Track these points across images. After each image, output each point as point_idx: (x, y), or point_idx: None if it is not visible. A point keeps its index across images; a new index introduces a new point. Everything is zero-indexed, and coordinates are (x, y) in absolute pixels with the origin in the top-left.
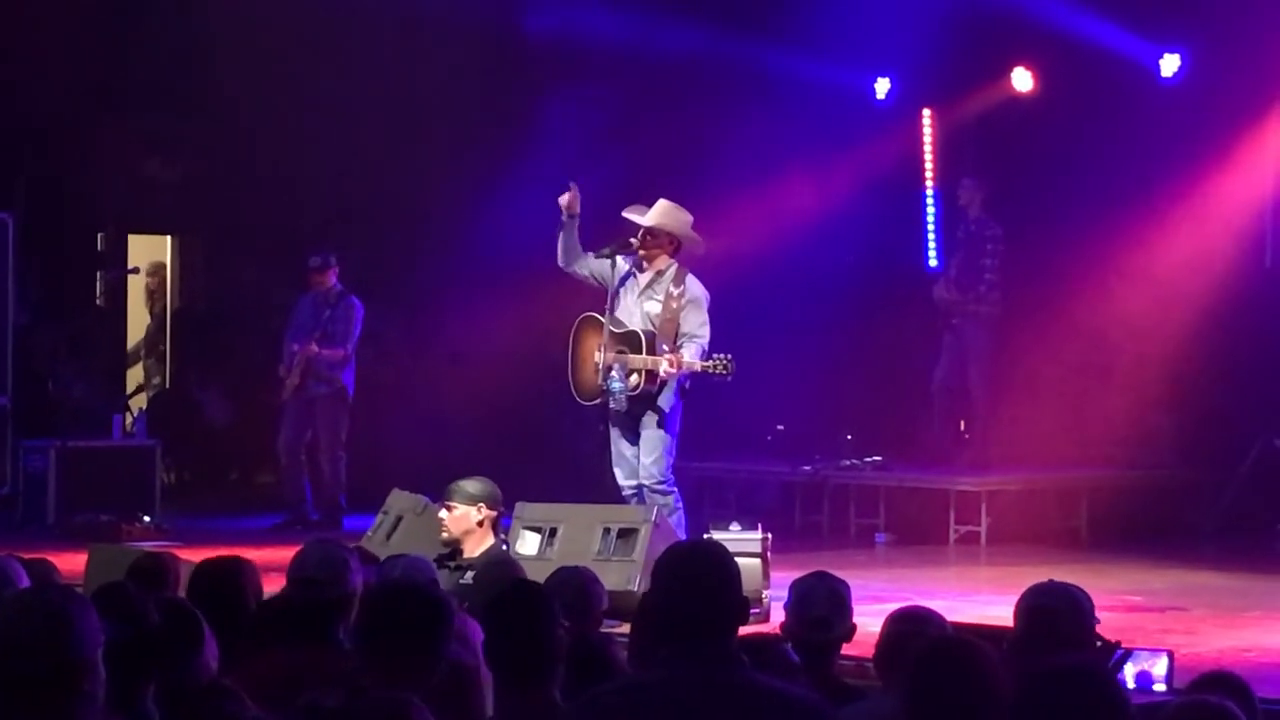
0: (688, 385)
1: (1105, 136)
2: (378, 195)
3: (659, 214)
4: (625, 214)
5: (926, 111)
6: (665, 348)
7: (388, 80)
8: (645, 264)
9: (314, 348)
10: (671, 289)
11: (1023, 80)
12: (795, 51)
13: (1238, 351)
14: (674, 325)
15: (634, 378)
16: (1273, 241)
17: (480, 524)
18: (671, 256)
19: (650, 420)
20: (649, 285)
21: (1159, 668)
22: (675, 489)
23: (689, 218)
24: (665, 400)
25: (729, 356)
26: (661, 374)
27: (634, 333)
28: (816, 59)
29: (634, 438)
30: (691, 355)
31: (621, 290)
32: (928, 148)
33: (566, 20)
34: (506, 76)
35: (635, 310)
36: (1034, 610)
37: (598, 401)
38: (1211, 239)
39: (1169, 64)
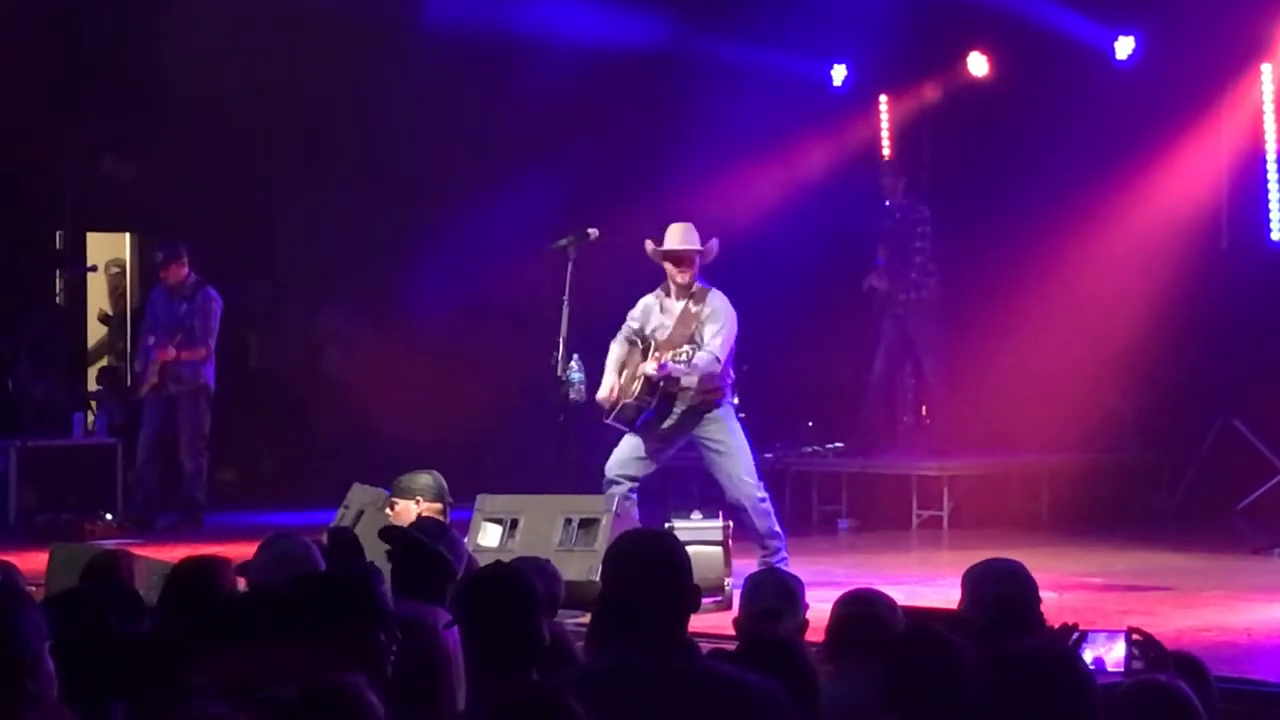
0: (735, 399)
1: (1061, 120)
2: (336, 190)
3: (690, 238)
4: (664, 246)
5: (884, 98)
6: (657, 355)
7: (343, 76)
8: (677, 292)
9: (171, 351)
10: (692, 306)
11: (978, 65)
12: (752, 39)
13: (1195, 333)
14: (685, 337)
15: (635, 384)
16: (1228, 223)
17: (419, 516)
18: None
19: (717, 440)
20: (684, 308)
21: (1116, 651)
22: (767, 493)
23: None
24: (720, 418)
25: (689, 348)
26: (649, 373)
27: (649, 343)
28: (773, 47)
29: (654, 442)
30: (681, 360)
31: (660, 321)
32: (885, 133)
33: (523, 13)
34: (463, 75)
35: (673, 334)
36: (1000, 598)
37: (619, 418)
38: (1168, 221)
39: (1124, 47)
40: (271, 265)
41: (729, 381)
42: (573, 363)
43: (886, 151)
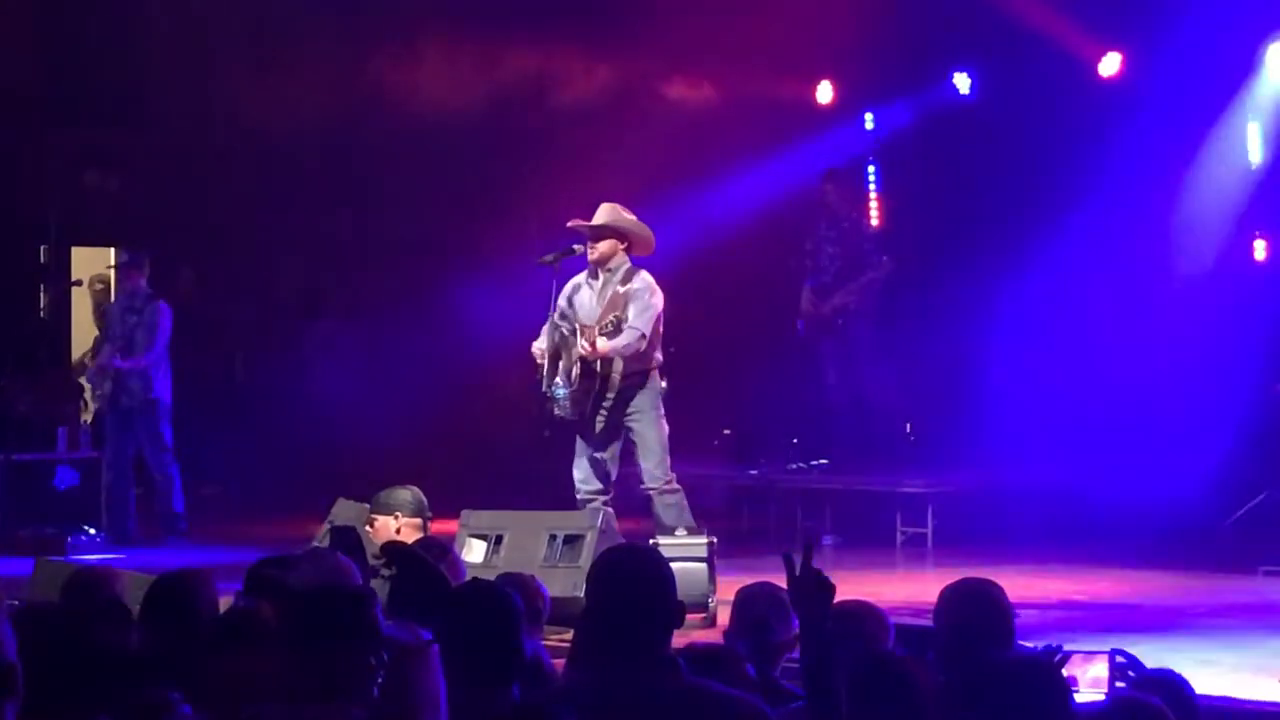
0: (663, 384)
1: (1046, 136)
2: (324, 204)
3: (602, 214)
4: (570, 224)
5: (869, 114)
6: (585, 334)
7: (332, 89)
8: (599, 269)
9: (114, 360)
10: (619, 287)
11: (963, 82)
12: (738, 56)
13: (1180, 349)
14: (611, 315)
15: (574, 369)
16: (1213, 240)
17: (398, 531)
18: (626, 254)
19: (635, 425)
20: (604, 285)
21: (1095, 670)
22: (678, 486)
23: (633, 216)
24: (644, 404)
25: (613, 318)
26: (581, 351)
27: (575, 329)
28: (759, 62)
29: (599, 440)
30: (616, 340)
31: (581, 300)
32: (870, 150)
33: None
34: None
35: (598, 313)
36: (964, 620)
37: (573, 411)
38: (1153, 237)
39: (1109, 63)
40: (258, 280)
41: (656, 363)
42: (558, 378)
43: (872, 169)
